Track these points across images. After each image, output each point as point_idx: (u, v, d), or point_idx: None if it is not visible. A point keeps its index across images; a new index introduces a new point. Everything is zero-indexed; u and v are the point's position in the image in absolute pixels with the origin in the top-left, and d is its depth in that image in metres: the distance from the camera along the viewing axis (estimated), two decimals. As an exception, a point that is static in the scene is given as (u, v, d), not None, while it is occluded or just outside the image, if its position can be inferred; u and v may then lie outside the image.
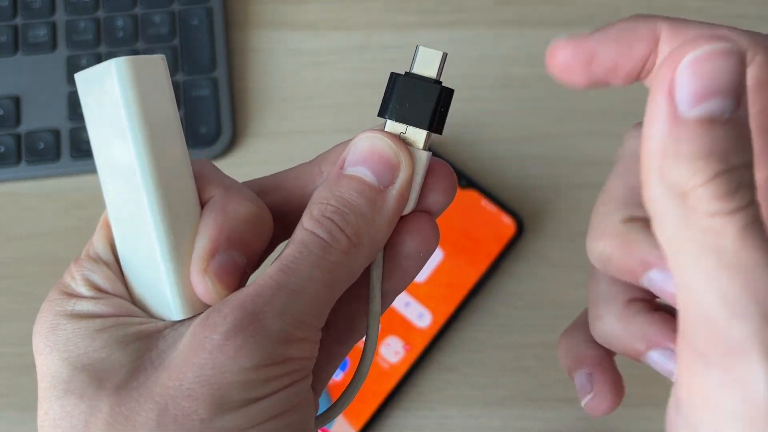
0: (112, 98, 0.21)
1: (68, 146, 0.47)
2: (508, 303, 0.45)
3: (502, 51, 0.50)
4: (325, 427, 0.41)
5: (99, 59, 0.49)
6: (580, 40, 0.22)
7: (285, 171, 0.25)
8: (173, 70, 0.49)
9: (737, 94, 0.17)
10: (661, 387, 0.44)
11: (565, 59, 0.22)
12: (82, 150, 0.47)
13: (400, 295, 0.44)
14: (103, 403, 0.20)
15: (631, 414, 0.43)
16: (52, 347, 0.22)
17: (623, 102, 0.49)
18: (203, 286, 0.22)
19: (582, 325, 0.26)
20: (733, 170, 0.17)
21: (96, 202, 0.47)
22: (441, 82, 0.24)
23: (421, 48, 0.24)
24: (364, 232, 0.22)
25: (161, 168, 0.22)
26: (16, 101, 0.48)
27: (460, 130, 0.48)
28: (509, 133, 0.48)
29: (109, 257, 0.24)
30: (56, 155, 0.47)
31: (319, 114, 0.49)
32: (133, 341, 0.21)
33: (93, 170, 0.48)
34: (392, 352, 0.43)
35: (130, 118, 0.21)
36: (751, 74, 0.21)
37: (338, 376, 0.42)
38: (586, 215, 0.50)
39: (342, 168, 0.23)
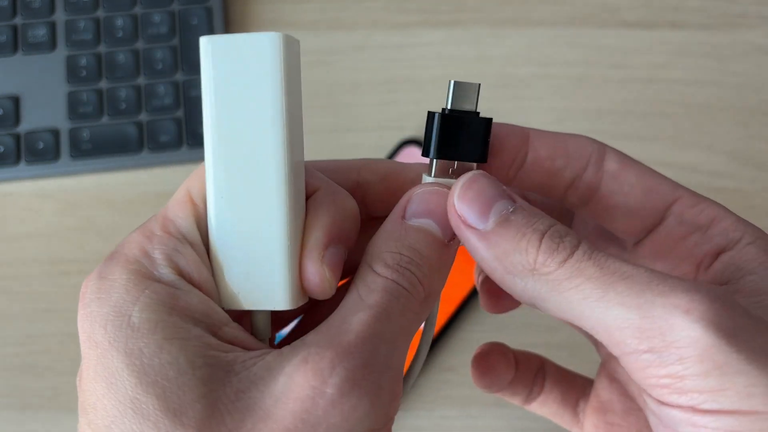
0: (261, 71, 0.21)
1: (68, 146, 0.47)
2: (508, 303, 0.45)
3: (502, 51, 0.50)
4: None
5: (98, 59, 0.49)
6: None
7: (321, 161, 0.25)
8: (172, 69, 0.48)
9: (506, 195, 0.22)
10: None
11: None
12: (81, 150, 0.47)
13: None
14: None
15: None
16: (113, 342, 0.19)
17: (623, 102, 0.49)
18: (320, 276, 0.22)
19: None
20: (549, 230, 0.21)
21: (95, 202, 0.47)
22: (479, 113, 0.24)
23: (454, 82, 0.24)
24: (435, 284, 0.22)
25: (292, 150, 0.21)
26: (16, 101, 0.48)
27: (460, 130, 0.48)
28: (509, 133, 0.48)
29: (196, 237, 0.22)
30: (56, 155, 0.47)
31: (318, 114, 0.49)
32: (202, 366, 0.19)
33: (92, 170, 0.48)
34: (392, 352, 0.43)
35: (278, 94, 0.21)
36: (610, 163, 0.25)
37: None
38: (586, 215, 0.50)
39: (404, 217, 0.23)
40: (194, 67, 0.49)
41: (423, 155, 0.24)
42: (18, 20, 0.50)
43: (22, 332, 0.45)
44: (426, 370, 0.44)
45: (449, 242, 0.23)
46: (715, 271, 0.24)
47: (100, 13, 0.50)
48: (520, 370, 0.31)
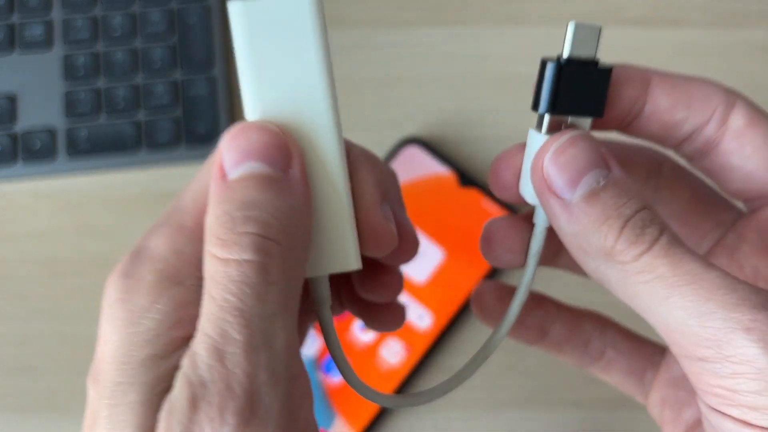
0: (301, 26, 0.21)
1: (64, 145, 0.47)
2: (509, 304, 0.45)
3: (503, 49, 0.50)
4: (323, 429, 0.41)
5: (96, 58, 0.48)
6: None
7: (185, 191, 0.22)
8: (171, 68, 0.48)
9: (602, 162, 0.21)
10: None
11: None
12: (78, 149, 0.47)
13: (400, 296, 0.44)
14: None
15: (631, 415, 0.43)
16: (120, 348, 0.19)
17: (625, 101, 0.49)
18: (388, 228, 0.21)
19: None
20: (633, 217, 0.20)
21: (92, 202, 0.47)
22: (598, 61, 0.22)
23: (575, 24, 0.21)
24: (292, 228, 0.19)
25: (336, 104, 0.21)
26: (12, 100, 0.48)
27: (460, 129, 0.48)
28: (510, 132, 0.48)
29: None
30: (52, 154, 0.47)
31: (318, 113, 0.49)
32: None
33: (90, 170, 0.47)
34: (392, 353, 0.42)
35: (320, 45, 0.21)
36: (736, 120, 0.23)
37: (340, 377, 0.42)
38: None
39: (223, 176, 0.19)
40: (192, 66, 0.48)
41: (533, 109, 0.22)
42: (15, 18, 0.49)
43: (19, 333, 0.45)
44: (427, 372, 0.44)
45: (286, 173, 0.20)
46: None
47: (98, 12, 0.49)
48: (563, 324, 0.28)
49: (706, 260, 0.20)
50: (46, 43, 0.49)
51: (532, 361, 0.44)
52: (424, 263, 0.44)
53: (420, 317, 0.43)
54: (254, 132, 0.19)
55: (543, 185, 0.21)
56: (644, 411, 0.43)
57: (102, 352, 0.19)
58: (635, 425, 0.43)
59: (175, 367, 0.18)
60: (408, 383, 0.43)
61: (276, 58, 0.21)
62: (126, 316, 0.19)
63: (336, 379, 0.42)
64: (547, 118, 0.22)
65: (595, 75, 0.21)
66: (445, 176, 0.46)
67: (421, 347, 0.43)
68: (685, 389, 0.26)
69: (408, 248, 0.24)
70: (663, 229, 0.20)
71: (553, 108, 0.21)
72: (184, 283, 0.19)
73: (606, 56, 0.50)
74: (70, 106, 0.47)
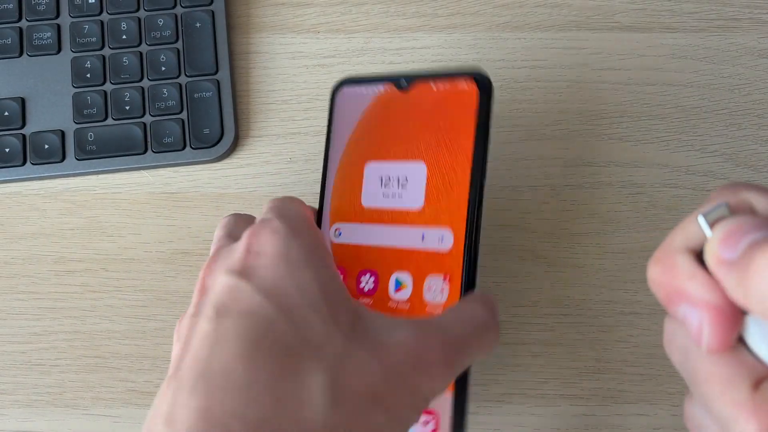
0: None
1: (73, 147, 0.48)
2: (505, 301, 0.46)
3: (500, 54, 0.51)
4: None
5: (103, 61, 0.49)
6: None
7: None
8: (176, 72, 0.49)
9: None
10: (655, 384, 0.45)
11: None
12: (86, 151, 0.48)
13: (413, 232, 0.37)
14: None
15: (626, 410, 0.44)
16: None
17: (618, 104, 0.50)
18: None
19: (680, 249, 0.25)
20: None
21: (100, 202, 0.48)
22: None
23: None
24: None
25: None
26: (22, 102, 0.49)
27: (458, 132, 0.49)
28: (507, 135, 0.49)
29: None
30: (61, 156, 0.48)
31: (320, 116, 0.49)
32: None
33: (98, 171, 0.48)
34: (436, 292, 0.35)
35: None
36: None
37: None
38: (582, 215, 0.51)
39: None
40: (198, 69, 0.49)
41: None
42: (23, 22, 0.50)
43: (28, 330, 0.46)
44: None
45: None
46: None
47: (105, 16, 0.50)
48: None
49: None
50: (55, 46, 0.50)
51: (527, 357, 0.45)
52: (414, 187, 0.38)
53: (441, 239, 0.37)
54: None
55: (716, 261, 0.22)
56: (639, 405, 0.44)
57: None
58: (631, 420, 0.44)
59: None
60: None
61: None
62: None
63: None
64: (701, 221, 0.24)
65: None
66: (384, 92, 0.40)
67: (457, 268, 0.36)
68: None
69: None
70: None
71: None
72: None
73: (600, 61, 0.51)
74: (78, 109, 0.48)
